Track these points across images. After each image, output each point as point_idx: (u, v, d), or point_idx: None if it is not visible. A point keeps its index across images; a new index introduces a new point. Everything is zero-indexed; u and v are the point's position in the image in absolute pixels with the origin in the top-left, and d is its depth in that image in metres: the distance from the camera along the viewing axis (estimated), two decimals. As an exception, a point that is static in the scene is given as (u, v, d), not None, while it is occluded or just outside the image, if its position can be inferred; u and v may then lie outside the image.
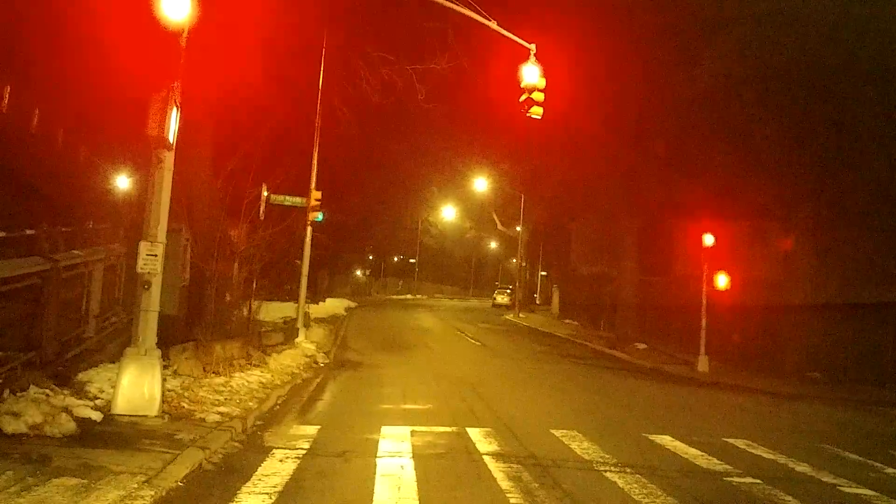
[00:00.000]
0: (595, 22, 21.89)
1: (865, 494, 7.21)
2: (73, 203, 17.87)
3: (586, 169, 29.70)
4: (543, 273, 59.04)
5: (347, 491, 6.21)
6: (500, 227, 46.63)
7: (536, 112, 12.75)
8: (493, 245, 70.69)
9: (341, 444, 7.96)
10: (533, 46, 12.79)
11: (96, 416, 7.89)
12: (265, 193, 17.19)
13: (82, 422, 7.50)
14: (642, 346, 24.23)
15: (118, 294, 13.71)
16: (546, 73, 12.70)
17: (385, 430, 8.76)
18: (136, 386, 8.30)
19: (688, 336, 21.13)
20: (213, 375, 11.09)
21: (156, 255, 8.60)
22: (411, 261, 75.77)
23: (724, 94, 21.86)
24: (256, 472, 6.56)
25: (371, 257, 71.53)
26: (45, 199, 16.77)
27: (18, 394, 7.74)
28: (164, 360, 9.24)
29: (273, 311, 20.67)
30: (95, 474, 5.86)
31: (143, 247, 8.58)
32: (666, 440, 9.26)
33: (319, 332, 21.35)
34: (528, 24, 13.94)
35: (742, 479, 7.39)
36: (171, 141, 8.71)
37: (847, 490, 7.37)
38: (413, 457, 7.45)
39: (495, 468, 7.18)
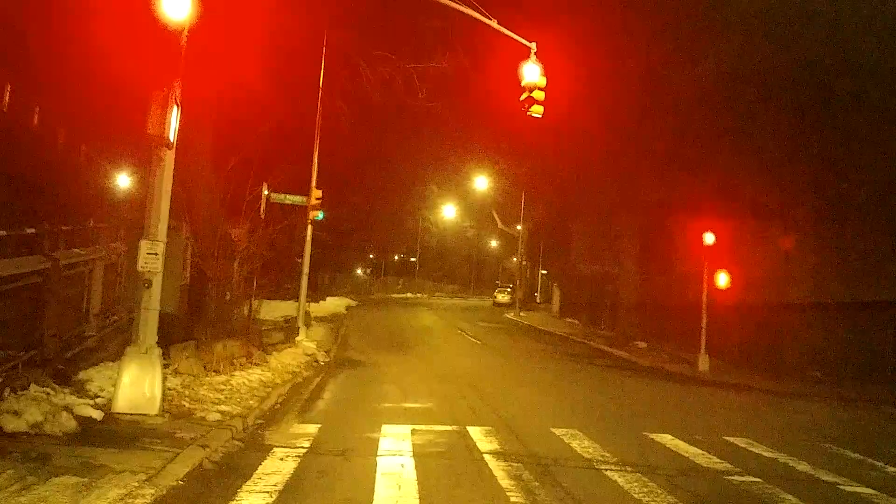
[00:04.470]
0: (595, 21, 21.89)
1: (866, 493, 7.21)
2: (74, 201, 17.87)
3: (587, 167, 29.71)
4: (544, 272, 59.03)
5: (348, 489, 6.22)
6: (500, 225, 46.64)
7: (537, 111, 12.75)
8: (494, 244, 70.70)
9: (342, 442, 7.96)
10: (533, 45, 12.78)
11: (97, 414, 7.89)
12: (266, 192, 17.19)
13: (83, 420, 7.51)
14: (643, 344, 24.23)
15: (119, 293, 13.70)
16: (546, 72, 12.70)
17: (385, 428, 8.76)
18: (136, 384, 8.31)
19: (688, 335, 21.12)
20: (213, 374, 11.10)
21: (156, 254, 8.60)
22: (412, 259, 75.77)
23: (725, 92, 21.86)
24: (257, 471, 6.56)
25: (371, 256, 71.60)
26: (46, 197, 16.78)
27: (19, 392, 7.74)
28: (164, 359, 9.25)
29: (274, 310, 20.68)
30: (96, 473, 5.86)
31: (144, 245, 8.58)
32: (666, 439, 9.26)
33: (320, 331, 21.36)
34: (529, 22, 13.95)
35: (742, 478, 7.39)
36: (171, 140, 8.71)
37: (847, 489, 7.37)
38: (414, 455, 7.45)
39: (496, 467, 7.18)
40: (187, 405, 9.02)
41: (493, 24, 12.86)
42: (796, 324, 20.41)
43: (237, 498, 5.77)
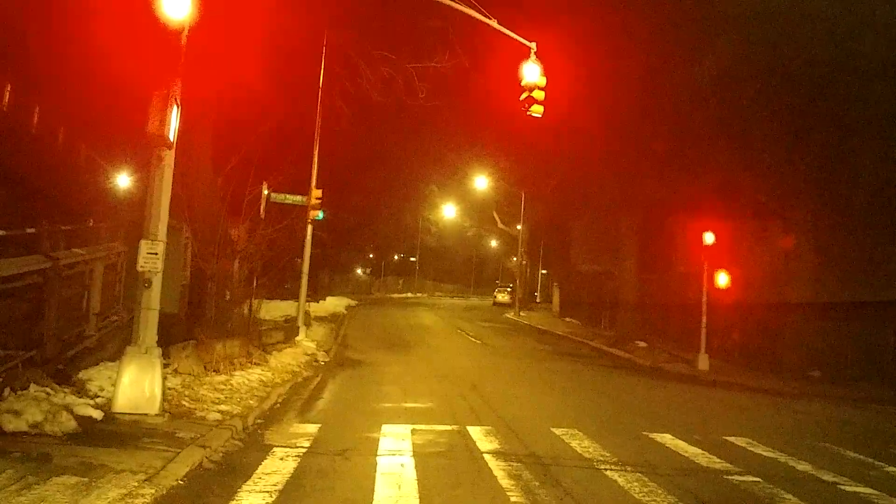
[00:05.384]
0: (595, 20, 21.87)
1: (866, 493, 7.21)
2: (74, 201, 17.86)
3: (587, 167, 29.68)
4: (544, 271, 59.06)
5: (348, 489, 6.22)
6: (500, 225, 46.63)
7: (537, 110, 12.76)
8: (494, 243, 70.67)
9: (342, 442, 7.96)
10: (533, 45, 12.79)
11: (97, 414, 7.90)
12: (266, 192, 17.19)
13: (83, 420, 7.50)
14: (643, 344, 24.21)
15: (119, 292, 13.69)
16: (546, 72, 12.70)
17: (385, 428, 8.77)
18: (136, 384, 8.31)
19: (688, 334, 21.12)
20: (213, 374, 11.10)
21: (156, 254, 8.60)
22: (412, 259, 75.85)
23: (725, 91, 21.84)
24: (257, 471, 6.56)
25: (371, 256, 71.64)
26: (46, 197, 16.78)
27: (19, 392, 7.74)
28: (164, 359, 9.25)
29: (273, 310, 20.69)
30: (96, 472, 5.86)
31: (144, 245, 8.58)
32: (666, 438, 9.26)
33: (320, 331, 21.36)
34: (529, 22, 13.95)
35: (742, 478, 7.39)
36: (171, 139, 8.71)
37: (848, 489, 7.37)
38: (413, 455, 7.45)
39: (496, 466, 7.18)
40: (187, 405, 9.02)
41: (493, 23, 12.87)
42: (796, 324, 20.39)
43: (237, 498, 5.77)
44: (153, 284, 8.67)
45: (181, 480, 6.06)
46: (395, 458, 7.31)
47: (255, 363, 12.57)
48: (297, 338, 17.42)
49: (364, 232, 54.18)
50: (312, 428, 8.71)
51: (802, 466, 8.21)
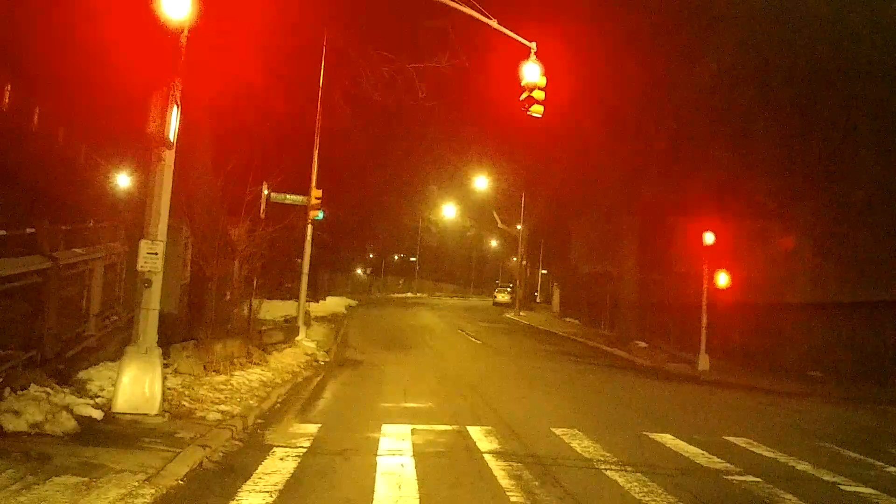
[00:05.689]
0: (595, 20, 21.89)
1: (866, 493, 7.21)
2: (74, 201, 17.83)
3: (587, 167, 29.70)
4: (544, 271, 59.07)
5: (348, 489, 6.22)
6: (500, 225, 46.65)
7: (537, 110, 12.76)
8: (494, 243, 70.74)
9: (342, 442, 7.96)
10: (533, 45, 12.79)
11: (97, 414, 7.90)
12: (266, 192, 17.18)
13: (83, 420, 7.51)
14: (643, 344, 24.23)
15: (119, 292, 13.69)
16: (546, 72, 12.71)
17: (386, 428, 8.77)
18: (136, 384, 8.31)
19: (688, 334, 21.13)
20: (213, 374, 11.10)
21: (156, 254, 8.60)
22: (412, 259, 75.86)
23: (725, 91, 21.86)
24: (257, 471, 6.56)
25: (371, 256, 71.62)
26: (46, 197, 16.75)
27: (19, 392, 7.74)
28: (164, 359, 9.24)
29: (274, 310, 20.67)
30: (96, 472, 5.86)
31: (144, 245, 8.58)
32: (666, 438, 9.26)
33: (320, 331, 21.36)
34: (529, 22, 13.94)
35: (742, 478, 7.39)
36: (171, 139, 8.71)
37: (847, 488, 7.37)
38: (413, 455, 7.45)
39: (496, 466, 7.18)
40: (187, 405, 9.02)
41: (493, 23, 12.87)
42: (796, 323, 20.40)
43: (237, 498, 5.77)
44: (153, 284, 8.67)
45: (181, 480, 6.06)
46: (395, 458, 7.31)
47: (255, 363, 12.57)
48: (298, 338, 17.41)
49: (364, 232, 54.20)
50: (312, 428, 8.71)
51: (802, 466, 8.21)
